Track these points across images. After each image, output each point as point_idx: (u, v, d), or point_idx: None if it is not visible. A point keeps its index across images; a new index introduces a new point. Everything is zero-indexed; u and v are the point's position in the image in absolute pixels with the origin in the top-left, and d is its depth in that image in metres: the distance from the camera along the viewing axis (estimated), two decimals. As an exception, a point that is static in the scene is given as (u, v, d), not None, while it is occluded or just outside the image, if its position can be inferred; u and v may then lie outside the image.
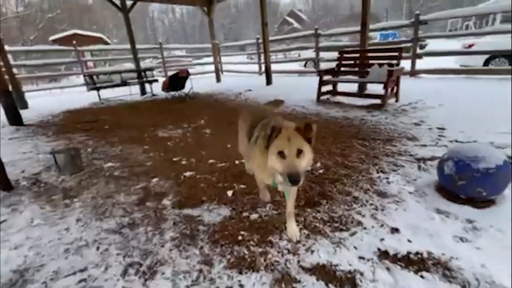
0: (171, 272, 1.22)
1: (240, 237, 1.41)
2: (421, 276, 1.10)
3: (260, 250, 1.31)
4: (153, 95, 7.90)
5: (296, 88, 6.88)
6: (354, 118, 3.81)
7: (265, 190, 1.75)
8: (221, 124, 3.96)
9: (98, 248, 1.42)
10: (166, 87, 6.50)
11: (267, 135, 1.14)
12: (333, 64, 5.72)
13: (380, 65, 4.41)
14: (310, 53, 11.89)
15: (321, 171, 2.15)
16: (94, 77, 6.98)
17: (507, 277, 1.05)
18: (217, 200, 1.81)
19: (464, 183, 1.57)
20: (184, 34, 55.43)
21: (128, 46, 8.43)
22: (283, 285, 1.10)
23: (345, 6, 46.57)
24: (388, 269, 1.15)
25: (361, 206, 1.64)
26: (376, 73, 4.41)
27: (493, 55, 7.16)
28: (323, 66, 8.90)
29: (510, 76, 5.87)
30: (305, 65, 13.64)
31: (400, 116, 3.71)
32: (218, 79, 10.26)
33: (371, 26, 6.34)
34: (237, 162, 2.44)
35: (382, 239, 1.33)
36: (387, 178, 1.97)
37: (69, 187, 2.15)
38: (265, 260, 1.24)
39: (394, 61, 4.46)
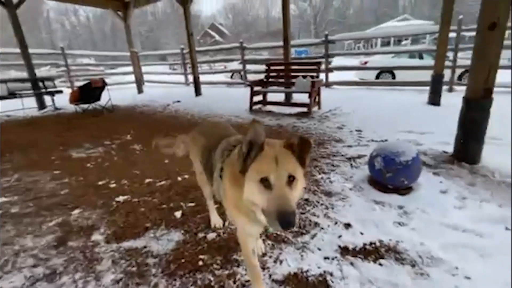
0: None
1: (200, 262, 1.25)
2: (380, 264, 1.20)
3: (227, 272, 1.19)
4: (57, 108, 6.60)
5: (227, 98, 6.91)
6: (287, 125, 4.05)
7: (213, 211, 1.55)
8: (152, 138, 3.57)
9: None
10: (76, 99, 5.52)
11: (243, 154, 0.78)
12: (260, 76, 6.02)
13: (304, 77, 4.87)
14: (236, 65, 12.26)
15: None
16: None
17: (440, 250, 1.25)
18: (164, 224, 1.58)
19: (391, 175, 1.83)
20: (91, 40, 49.01)
21: (15, 50, 6.84)
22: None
23: (262, 23, 50.47)
24: (352, 264, 1.21)
25: (314, 207, 1.71)
26: (301, 84, 4.84)
27: (381, 71, 8.91)
28: (250, 77, 9.28)
29: (393, 87, 7.43)
30: (231, 77, 13.97)
31: (325, 121, 4.15)
32: (139, 90, 9.39)
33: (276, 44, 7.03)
34: (179, 178, 2.22)
35: (339, 236, 1.40)
36: (328, 178, 2.13)
37: None
38: (234, 282, 1.13)
39: (314, 74, 5.02)
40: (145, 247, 1.38)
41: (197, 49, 8.23)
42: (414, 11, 44.61)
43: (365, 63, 9.22)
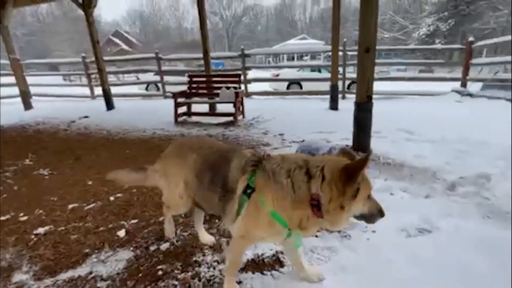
0: None
1: (160, 272, 1.24)
2: (316, 236, 1.48)
3: (190, 273, 1.23)
4: None
5: (145, 111, 6.50)
6: (216, 135, 4.19)
7: (170, 223, 1.49)
8: (63, 159, 3.07)
9: None
10: None
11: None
12: (179, 87, 5.96)
13: (227, 88, 5.14)
14: (151, 76, 11.59)
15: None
16: None
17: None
18: (107, 246, 1.46)
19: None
20: None
21: None
22: (227, 295, 1.11)
23: (175, 34, 49.19)
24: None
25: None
26: (225, 94, 5.08)
27: (291, 82, 10.17)
28: (169, 89, 8.98)
29: (302, 96, 8.62)
30: (146, 89, 13.10)
31: (251, 128, 4.49)
32: (27, 106, 7.69)
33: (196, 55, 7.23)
34: (112, 198, 2.04)
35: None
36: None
37: None
38: (200, 280, 1.19)
39: (236, 85, 5.36)
40: (90, 273, 1.26)
41: (106, 58, 7.44)
42: (309, 31, 52.45)
43: (277, 75, 10.36)
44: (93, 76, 9.62)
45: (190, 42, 38.81)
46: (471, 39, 6.58)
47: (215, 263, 1.30)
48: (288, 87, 10.87)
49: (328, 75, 6.53)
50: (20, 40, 41.39)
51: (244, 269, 1.25)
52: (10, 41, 7.41)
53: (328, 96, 6.04)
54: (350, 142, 3.01)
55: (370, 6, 2.44)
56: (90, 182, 2.35)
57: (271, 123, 4.73)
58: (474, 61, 6.61)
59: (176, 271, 1.25)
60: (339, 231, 1.49)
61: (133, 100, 9.24)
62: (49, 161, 3.02)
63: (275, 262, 1.29)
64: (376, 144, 2.89)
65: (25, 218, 1.79)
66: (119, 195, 2.08)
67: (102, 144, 3.82)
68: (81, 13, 6.46)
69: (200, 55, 6.26)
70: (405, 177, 2.20)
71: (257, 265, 1.28)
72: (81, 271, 1.27)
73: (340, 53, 6.74)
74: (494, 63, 6.44)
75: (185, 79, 9.82)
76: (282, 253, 1.35)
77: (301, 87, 10.65)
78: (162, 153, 1.35)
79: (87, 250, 1.42)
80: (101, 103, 6.96)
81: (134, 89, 11.91)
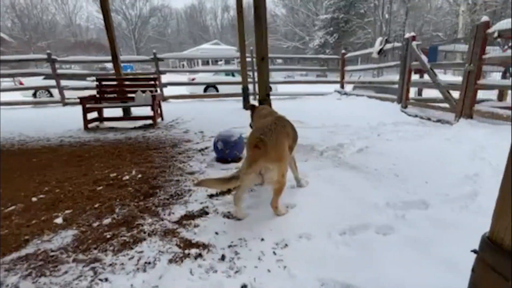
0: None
1: (108, 236, 1.53)
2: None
3: (135, 232, 1.57)
4: None
5: (40, 121, 5.74)
6: (136, 137, 4.26)
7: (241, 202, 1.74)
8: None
9: None
10: None
11: None
12: (83, 93, 5.59)
13: (143, 91, 5.19)
14: (39, 81, 9.99)
15: (140, 175, 2.51)
16: None
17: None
18: (47, 230, 1.60)
19: (229, 151, 2.79)
20: None
21: None
22: (169, 236, 1.52)
23: (65, 31, 42.06)
24: (216, 200, 1.96)
25: (184, 182, 2.32)
26: (141, 98, 5.12)
27: (207, 85, 10.64)
28: (69, 94, 8.03)
29: (219, 98, 9.22)
30: (34, 95, 11.14)
31: (171, 129, 4.74)
32: None
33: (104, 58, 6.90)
34: (34, 199, 2.06)
35: (206, 191, 2.11)
36: (189, 164, 2.80)
37: None
38: (145, 233, 1.54)
39: (153, 88, 5.46)
40: (38, 249, 1.42)
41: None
42: (222, 37, 54.02)
43: (193, 79, 10.65)
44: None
45: (87, 42, 34.03)
46: (343, 51, 8.63)
47: (155, 221, 1.67)
48: (205, 90, 11.32)
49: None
50: None
51: (178, 222, 1.67)
52: None
53: (240, 98, 6.84)
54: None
55: (260, 26, 3.19)
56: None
57: (191, 124, 5.10)
58: (346, 68, 8.68)
59: (122, 235, 1.56)
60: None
61: (20, 109, 7.81)
62: None
63: (202, 213, 1.77)
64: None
65: None
66: (41, 196, 2.11)
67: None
68: None
69: (104, 57, 5.98)
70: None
71: (189, 217, 1.72)
72: (27, 250, 1.42)
73: (249, 59, 7.67)
74: (358, 70, 8.65)
75: (87, 83, 8.95)
76: (207, 207, 1.84)
77: (217, 90, 11.28)
78: (257, 151, 1.52)
79: (26, 237, 1.54)
80: None
81: (17, 96, 9.93)
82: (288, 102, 7.43)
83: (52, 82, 7.88)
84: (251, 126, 2.36)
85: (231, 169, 2.63)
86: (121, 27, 49.17)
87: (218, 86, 11.14)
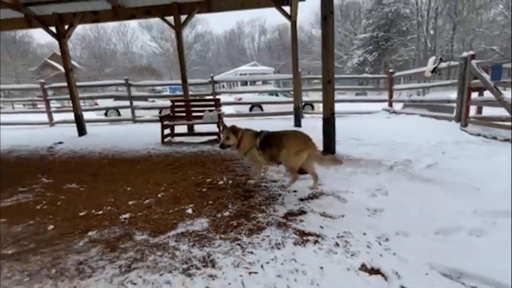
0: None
1: (235, 223, 1.95)
2: (317, 198, 2.35)
3: (254, 222, 1.97)
4: None
5: (121, 135, 6.73)
6: (208, 150, 4.85)
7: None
8: (80, 177, 3.39)
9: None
10: None
11: None
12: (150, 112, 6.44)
13: (210, 110, 5.89)
14: (109, 102, 11.47)
15: (231, 181, 2.97)
16: None
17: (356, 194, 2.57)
18: (186, 217, 2.09)
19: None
20: None
21: None
22: (283, 226, 1.89)
23: (123, 58, 47.67)
24: (311, 202, 2.30)
25: (272, 188, 2.71)
26: (208, 116, 5.82)
27: (253, 105, 11.34)
28: (139, 114, 9.25)
29: (264, 117, 9.77)
30: (106, 114, 12.86)
31: (236, 144, 5.27)
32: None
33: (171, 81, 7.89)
34: (159, 195, 2.61)
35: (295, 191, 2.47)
36: (269, 174, 3.21)
37: None
38: (262, 223, 1.94)
39: (215, 108, 6.15)
40: (187, 230, 1.89)
41: (78, 84, 7.51)
42: (259, 59, 56.43)
43: (240, 99, 11.45)
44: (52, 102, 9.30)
45: (142, 68, 38.33)
46: (391, 70, 8.70)
47: (266, 218, 2.06)
48: (250, 109, 12.05)
49: (284, 98, 7.80)
50: None
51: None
52: None
53: (287, 116, 7.27)
54: (321, 148, 4.05)
55: (328, 53, 3.62)
56: (128, 188, 2.85)
57: (251, 139, 5.59)
58: (395, 87, 8.69)
59: (244, 222, 1.97)
60: (331, 194, 2.40)
61: (99, 126, 9.17)
62: (68, 179, 3.32)
63: (301, 213, 2.13)
64: (339, 148, 3.99)
65: (100, 212, 2.26)
66: (163, 193, 2.66)
67: (106, 163, 4.16)
68: (10, 35, 6.59)
69: (173, 81, 6.91)
70: (362, 166, 3.27)
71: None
72: (180, 230, 1.90)
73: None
74: (409, 88, 8.60)
75: (148, 104, 10.22)
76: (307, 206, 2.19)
77: (261, 109, 11.93)
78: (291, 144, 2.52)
79: (174, 221, 2.03)
80: (65, 129, 6.98)
81: (91, 115, 11.63)
82: (339, 120, 7.64)
83: (121, 103, 9.21)
84: (222, 146, 2.87)
85: (307, 178, 2.97)
86: (169, 53, 54.40)
87: (263, 106, 11.79)
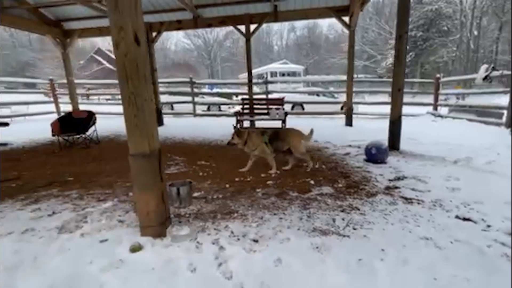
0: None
1: (352, 191, 2.84)
2: (396, 188, 3.17)
3: (366, 189, 2.84)
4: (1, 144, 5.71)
5: (194, 127, 7.83)
6: None
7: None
8: (201, 157, 4.45)
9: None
10: (57, 131, 5.21)
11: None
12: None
13: (277, 108, 6.83)
14: (165, 97, 12.69)
15: (324, 166, 3.86)
16: None
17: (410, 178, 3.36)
18: (307, 188, 3.01)
19: (380, 155, 3.95)
20: None
21: None
22: (388, 195, 2.74)
23: (159, 54, 50.35)
24: (393, 192, 3.13)
25: (360, 173, 3.55)
26: (275, 113, 6.76)
27: (294, 104, 12.08)
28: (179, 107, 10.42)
29: (304, 116, 10.54)
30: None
31: (302, 138, 6.14)
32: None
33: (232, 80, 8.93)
34: (263, 175, 3.57)
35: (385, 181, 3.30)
36: (347, 163, 4.05)
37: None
38: (372, 190, 2.81)
39: (281, 106, 7.08)
40: (320, 193, 2.81)
41: (160, 81, 8.82)
42: (286, 56, 56.55)
43: (283, 98, 12.26)
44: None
45: (179, 64, 40.61)
46: (438, 75, 9.09)
47: (373, 188, 2.92)
48: (292, 108, 12.85)
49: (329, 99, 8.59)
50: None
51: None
52: (70, 65, 8.53)
53: (332, 116, 8.04)
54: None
55: (400, 64, 4.35)
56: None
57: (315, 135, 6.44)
58: (442, 91, 9.08)
59: (356, 189, 2.84)
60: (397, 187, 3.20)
61: (166, 118, 10.47)
62: (193, 158, 4.40)
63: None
64: (403, 145, 4.72)
65: (248, 179, 3.26)
66: (279, 171, 3.61)
67: (206, 148, 5.24)
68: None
69: (228, 80, 7.90)
70: (428, 160, 4.01)
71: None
72: (316, 192, 2.82)
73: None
74: (455, 94, 8.95)
75: (206, 100, 11.40)
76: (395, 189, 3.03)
77: (303, 109, 12.68)
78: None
79: (307, 187, 2.96)
80: None
81: None
82: (384, 122, 8.27)
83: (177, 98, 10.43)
84: (229, 143, 3.69)
85: (384, 167, 3.78)
86: (199, 49, 56.30)
87: (305, 105, 12.55)
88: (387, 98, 17.61)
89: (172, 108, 14.29)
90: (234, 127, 3.64)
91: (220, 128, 7.14)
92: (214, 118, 9.94)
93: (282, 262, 1.60)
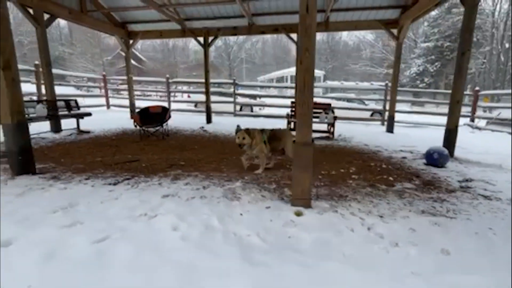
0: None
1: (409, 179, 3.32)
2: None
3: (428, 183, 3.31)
4: (82, 131, 6.48)
5: (243, 126, 8.40)
6: (325, 145, 6.19)
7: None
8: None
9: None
10: (139, 123, 5.92)
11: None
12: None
13: (326, 113, 7.33)
14: (198, 96, 13.32)
15: (385, 165, 4.33)
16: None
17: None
18: (348, 178, 3.50)
19: (442, 159, 4.39)
20: None
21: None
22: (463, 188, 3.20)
23: (182, 53, 51.69)
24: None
25: (426, 175, 4.01)
26: (324, 117, 7.26)
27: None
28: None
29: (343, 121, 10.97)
30: (195, 106, 15.02)
31: (347, 142, 6.60)
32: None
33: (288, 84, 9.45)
34: (333, 172, 4.07)
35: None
36: (409, 165, 4.51)
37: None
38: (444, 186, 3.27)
39: (329, 111, 7.57)
40: (405, 188, 3.30)
41: (212, 81, 9.50)
42: (305, 60, 56.53)
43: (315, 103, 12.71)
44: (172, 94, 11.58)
45: (201, 64, 41.87)
46: (477, 88, 9.36)
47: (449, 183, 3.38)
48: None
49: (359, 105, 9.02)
50: (24, 47, 42.35)
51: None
52: (130, 63, 9.34)
53: (368, 122, 8.47)
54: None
55: (461, 78, 4.77)
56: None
57: (357, 139, 6.88)
58: (479, 104, 9.34)
59: (437, 190, 3.31)
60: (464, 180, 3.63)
61: (194, 116, 11.15)
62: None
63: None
64: (457, 152, 5.12)
65: (333, 172, 3.78)
66: (348, 164, 4.11)
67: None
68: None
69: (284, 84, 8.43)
70: (485, 167, 4.42)
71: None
72: (398, 187, 3.31)
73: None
74: (495, 107, 9.19)
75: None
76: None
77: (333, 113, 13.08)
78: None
79: (390, 179, 3.45)
80: (198, 117, 8.89)
81: (183, 106, 13.79)
82: (429, 131, 8.64)
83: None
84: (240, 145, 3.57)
85: (445, 170, 4.21)
86: (219, 50, 57.47)
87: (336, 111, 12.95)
88: (423, 108, 17.63)
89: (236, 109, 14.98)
90: (246, 130, 3.53)
91: (270, 126, 7.67)
92: (253, 118, 10.55)
93: (416, 231, 2.12)
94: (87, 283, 1.40)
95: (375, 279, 1.55)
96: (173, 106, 11.47)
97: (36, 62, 8.72)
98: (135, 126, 5.91)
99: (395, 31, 7.64)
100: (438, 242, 1.96)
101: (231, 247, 1.77)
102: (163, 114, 6.31)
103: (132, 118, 5.88)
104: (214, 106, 11.94)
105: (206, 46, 8.61)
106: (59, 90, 10.53)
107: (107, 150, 4.78)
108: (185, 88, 14.29)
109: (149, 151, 4.82)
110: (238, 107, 12.62)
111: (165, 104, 11.48)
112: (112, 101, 12.28)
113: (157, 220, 2.06)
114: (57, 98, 6.46)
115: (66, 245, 1.70)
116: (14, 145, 2.83)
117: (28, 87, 9.22)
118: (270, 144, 3.62)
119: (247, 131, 3.48)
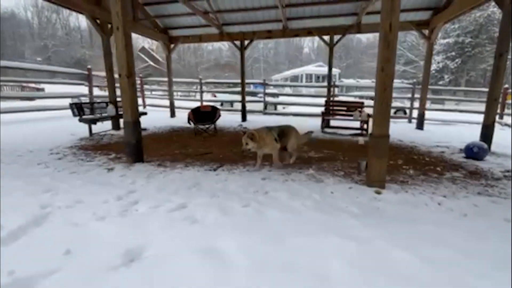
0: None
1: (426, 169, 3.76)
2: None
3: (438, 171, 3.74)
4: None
5: (277, 123, 8.94)
6: (357, 140, 6.66)
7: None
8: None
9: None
10: (193, 120, 6.57)
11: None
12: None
13: (360, 111, 7.77)
14: (224, 95, 13.90)
15: (431, 158, 4.76)
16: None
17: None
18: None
19: (481, 153, 4.78)
20: None
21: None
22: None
23: (197, 53, 52.75)
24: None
25: (466, 168, 4.43)
26: (358, 115, 7.70)
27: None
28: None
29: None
30: (221, 105, 15.67)
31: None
32: (172, 115, 10.25)
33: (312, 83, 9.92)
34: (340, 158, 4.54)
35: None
36: (449, 158, 4.92)
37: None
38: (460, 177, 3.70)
39: (362, 109, 8.00)
40: (454, 176, 3.76)
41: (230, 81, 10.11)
42: (317, 58, 56.63)
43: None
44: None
45: (222, 64, 43.37)
46: (506, 86, 9.52)
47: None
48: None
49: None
50: (49, 50, 44.57)
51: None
52: (171, 66, 10.07)
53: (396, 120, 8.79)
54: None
55: (499, 79, 5.13)
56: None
57: (397, 135, 7.30)
58: (508, 101, 9.51)
59: (483, 179, 3.75)
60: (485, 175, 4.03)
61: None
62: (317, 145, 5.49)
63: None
64: (493, 147, 5.48)
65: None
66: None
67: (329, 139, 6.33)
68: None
69: (321, 83, 8.93)
70: (523, 160, 4.78)
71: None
72: (448, 175, 3.77)
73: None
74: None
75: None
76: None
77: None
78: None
79: (438, 169, 3.92)
80: (226, 116, 9.53)
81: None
82: (460, 128, 8.94)
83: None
84: (244, 151, 3.58)
85: (485, 162, 4.60)
86: (233, 49, 58.03)
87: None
88: (453, 106, 17.70)
89: (231, 106, 15.69)
90: (243, 131, 3.57)
91: (307, 123, 8.18)
92: (281, 117, 11.09)
93: (478, 206, 2.60)
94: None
95: (452, 234, 2.06)
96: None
97: (89, 66, 9.60)
98: (189, 123, 6.57)
99: (425, 31, 7.98)
100: (500, 214, 2.45)
101: (339, 212, 2.33)
102: (212, 112, 6.94)
103: (188, 116, 6.50)
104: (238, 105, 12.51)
105: (242, 49, 9.21)
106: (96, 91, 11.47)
107: (174, 144, 5.44)
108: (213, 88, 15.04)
109: (210, 145, 5.44)
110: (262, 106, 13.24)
111: (197, 104, 12.20)
112: (147, 101, 13.12)
113: (273, 195, 2.65)
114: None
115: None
116: (132, 138, 3.50)
117: (80, 89, 10.13)
118: (281, 141, 3.71)
119: (252, 136, 3.40)
